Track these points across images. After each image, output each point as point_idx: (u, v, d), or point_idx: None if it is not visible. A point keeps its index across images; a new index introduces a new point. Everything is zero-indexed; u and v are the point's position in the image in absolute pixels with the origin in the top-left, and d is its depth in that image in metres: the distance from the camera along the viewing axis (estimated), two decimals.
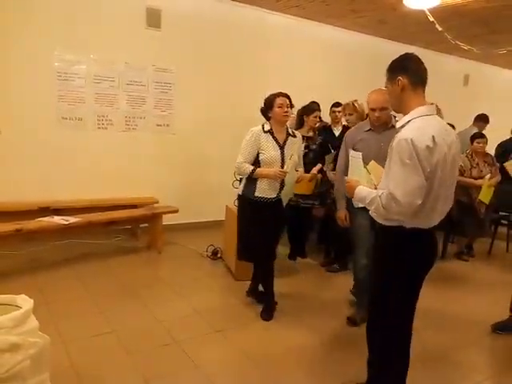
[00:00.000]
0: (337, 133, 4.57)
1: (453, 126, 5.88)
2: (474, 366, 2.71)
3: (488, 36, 5.99)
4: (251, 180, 3.05)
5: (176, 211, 4.64)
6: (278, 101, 2.99)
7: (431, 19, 4.92)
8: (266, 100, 3.08)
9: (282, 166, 3.02)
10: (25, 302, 1.92)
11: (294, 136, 3.16)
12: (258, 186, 3.04)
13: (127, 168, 4.87)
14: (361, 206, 2.10)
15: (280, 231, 3.38)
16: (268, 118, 3.09)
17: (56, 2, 4.26)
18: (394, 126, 2.65)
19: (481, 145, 4.56)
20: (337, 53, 6.29)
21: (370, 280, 2.83)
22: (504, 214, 4.92)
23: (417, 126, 1.78)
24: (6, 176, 4.21)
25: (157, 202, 4.79)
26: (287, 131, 3.13)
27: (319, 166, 4.10)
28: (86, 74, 4.52)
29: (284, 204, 3.17)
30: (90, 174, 4.65)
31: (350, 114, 3.80)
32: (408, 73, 1.87)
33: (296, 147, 3.15)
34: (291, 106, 3.07)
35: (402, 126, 1.84)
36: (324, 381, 2.43)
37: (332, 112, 4.71)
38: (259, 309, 3.25)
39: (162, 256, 4.41)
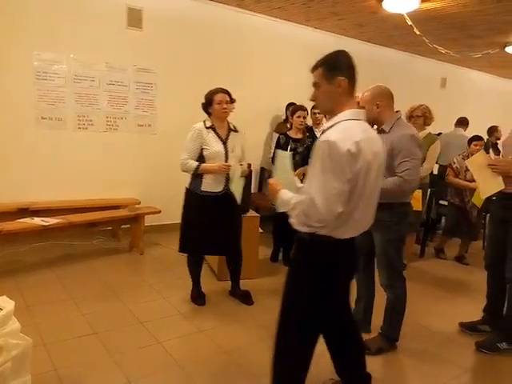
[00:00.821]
0: (318, 134, 4.62)
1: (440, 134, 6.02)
2: (451, 361, 2.79)
3: (464, 40, 6.15)
4: (197, 175, 3.13)
5: (158, 212, 4.62)
6: (217, 97, 3.05)
7: (409, 23, 5.04)
8: (205, 96, 3.13)
9: (226, 161, 3.08)
10: (6, 303, 1.89)
11: (236, 131, 3.22)
12: (203, 180, 3.11)
13: (108, 168, 4.82)
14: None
15: (236, 224, 3.33)
16: (209, 114, 3.15)
17: (35, 0, 4.20)
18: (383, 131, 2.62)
19: (478, 147, 4.58)
20: (317, 54, 6.34)
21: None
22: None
23: (342, 129, 1.68)
24: None
25: (138, 203, 4.76)
26: (229, 126, 3.19)
27: (306, 167, 4.10)
28: (65, 74, 4.46)
29: (238, 199, 3.11)
30: (70, 174, 4.59)
31: None
32: (348, 73, 1.76)
33: (239, 141, 3.20)
34: (231, 101, 3.11)
35: (330, 128, 1.73)
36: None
37: (312, 114, 4.76)
38: (242, 308, 3.29)
39: (144, 257, 4.39)
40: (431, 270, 4.57)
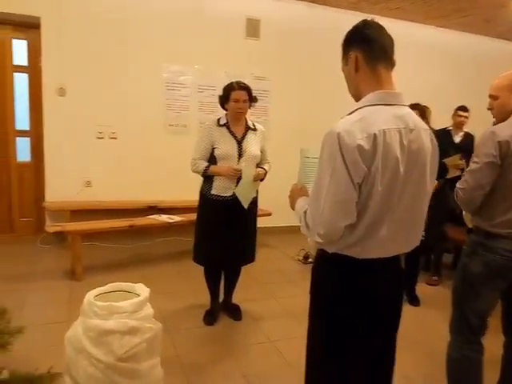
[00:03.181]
0: (457, 139, 4.12)
1: None
2: None
3: None
4: (208, 177, 2.88)
5: (269, 214, 4.77)
6: (234, 95, 2.74)
7: None
8: (223, 89, 2.84)
9: (239, 162, 2.80)
10: (142, 290, 2.13)
11: (255, 129, 2.90)
12: (214, 183, 2.85)
13: None
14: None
15: (251, 234, 3.03)
16: (225, 109, 2.87)
17: (165, 18, 4.66)
18: None
19: None
20: (439, 53, 5.99)
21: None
22: None
23: (358, 118, 1.27)
24: (121, 177, 4.70)
25: None
26: (246, 124, 2.88)
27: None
28: (190, 84, 4.87)
29: (245, 205, 2.82)
30: (192, 176, 4.96)
31: None
32: (363, 45, 1.36)
33: (257, 141, 2.89)
34: (251, 100, 2.82)
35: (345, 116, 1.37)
36: None
37: (458, 116, 4.15)
38: None
39: (256, 257, 4.54)
40: None
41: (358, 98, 1.40)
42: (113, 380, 1.88)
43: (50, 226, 3.83)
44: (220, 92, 2.90)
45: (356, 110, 1.33)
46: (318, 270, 1.48)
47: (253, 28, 5.02)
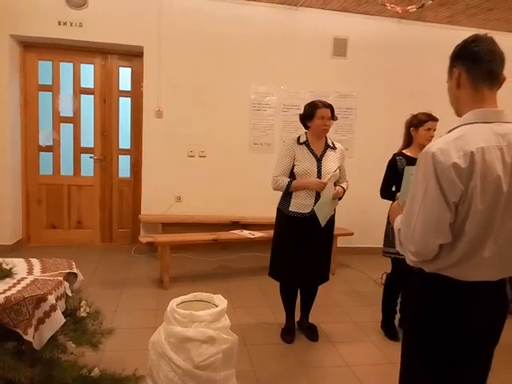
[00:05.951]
0: None
1: None
2: None
3: None
4: (287, 194, 2.92)
5: (351, 234, 4.67)
6: (320, 112, 2.79)
7: None
8: (306, 107, 2.90)
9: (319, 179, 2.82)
10: (221, 301, 2.21)
11: (334, 148, 2.94)
12: (292, 200, 2.89)
13: None
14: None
15: (321, 252, 2.96)
16: (306, 127, 2.91)
17: (256, 42, 4.86)
18: None
19: None
20: None
21: None
22: None
23: (455, 137, 1.27)
24: (208, 193, 4.94)
25: None
26: (326, 142, 2.92)
27: None
28: (276, 104, 5.00)
29: (323, 223, 2.82)
30: (273, 193, 5.05)
31: None
32: (468, 63, 1.33)
33: (337, 159, 2.93)
34: (333, 117, 2.86)
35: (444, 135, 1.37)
36: None
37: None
38: None
39: (335, 277, 4.46)
40: None
41: (458, 113, 1.41)
42: None
43: (143, 237, 4.14)
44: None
45: (454, 128, 1.33)
46: (415, 286, 1.48)
47: (340, 47, 5.03)
